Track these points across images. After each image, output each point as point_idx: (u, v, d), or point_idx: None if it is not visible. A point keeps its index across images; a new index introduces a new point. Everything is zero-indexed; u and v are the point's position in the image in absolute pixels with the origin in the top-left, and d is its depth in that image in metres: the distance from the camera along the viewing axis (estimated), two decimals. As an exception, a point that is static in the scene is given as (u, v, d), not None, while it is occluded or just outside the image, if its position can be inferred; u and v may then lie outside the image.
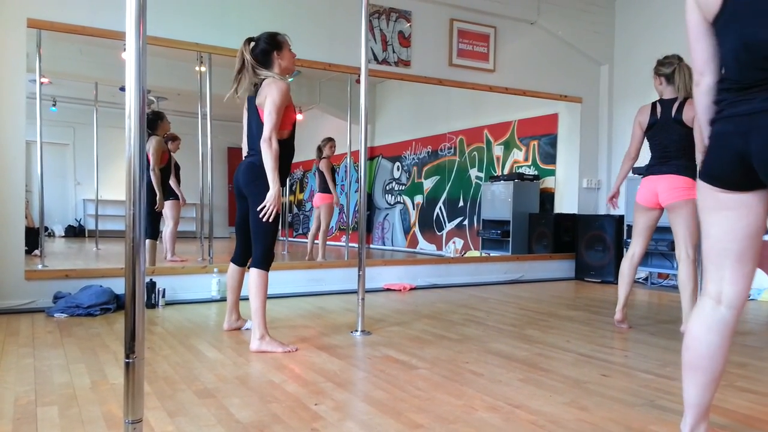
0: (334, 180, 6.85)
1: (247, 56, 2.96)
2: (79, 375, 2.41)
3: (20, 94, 3.90)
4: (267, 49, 2.98)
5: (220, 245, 6.16)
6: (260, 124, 2.90)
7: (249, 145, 3.07)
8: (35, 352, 2.77)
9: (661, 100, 3.44)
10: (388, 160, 9.83)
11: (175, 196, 6.05)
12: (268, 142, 2.83)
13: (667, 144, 3.38)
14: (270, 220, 2.91)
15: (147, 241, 5.40)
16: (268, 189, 2.86)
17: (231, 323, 3.36)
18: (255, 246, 2.98)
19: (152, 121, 5.45)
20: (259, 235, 2.96)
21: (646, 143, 3.55)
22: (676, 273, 5.30)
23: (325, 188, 6.79)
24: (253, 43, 3.01)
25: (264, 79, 2.94)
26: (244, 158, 3.10)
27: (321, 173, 6.80)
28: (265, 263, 2.96)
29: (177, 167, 6.10)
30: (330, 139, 6.84)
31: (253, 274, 2.94)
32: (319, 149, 6.79)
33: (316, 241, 6.85)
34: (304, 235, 10.37)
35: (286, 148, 3.00)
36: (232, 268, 3.29)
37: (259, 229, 2.96)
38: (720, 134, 1.51)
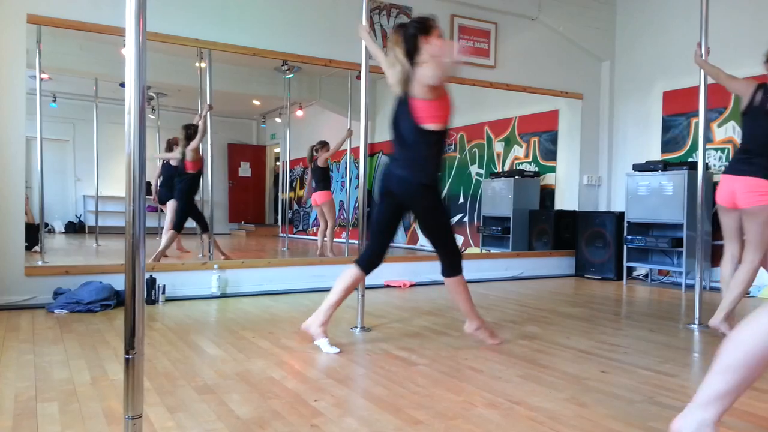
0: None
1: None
2: (79, 371, 2.41)
3: (20, 90, 3.90)
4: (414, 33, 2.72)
5: (220, 241, 6.16)
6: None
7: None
8: (35, 348, 2.78)
9: (763, 85, 3.02)
10: (388, 157, 9.82)
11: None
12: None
13: (754, 137, 3.04)
14: None
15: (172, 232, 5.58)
16: (436, 204, 2.96)
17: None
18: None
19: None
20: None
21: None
22: (677, 270, 5.34)
23: (323, 186, 6.84)
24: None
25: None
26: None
27: (318, 171, 6.83)
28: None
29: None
30: (325, 143, 6.89)
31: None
32: (315, 150, 6.82)
33: (324, 238, 6.91)
34: (304, 231, 10.38)
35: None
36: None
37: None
38: None
